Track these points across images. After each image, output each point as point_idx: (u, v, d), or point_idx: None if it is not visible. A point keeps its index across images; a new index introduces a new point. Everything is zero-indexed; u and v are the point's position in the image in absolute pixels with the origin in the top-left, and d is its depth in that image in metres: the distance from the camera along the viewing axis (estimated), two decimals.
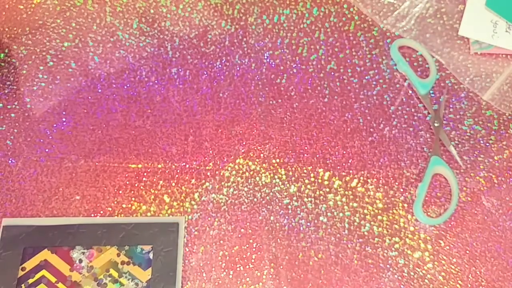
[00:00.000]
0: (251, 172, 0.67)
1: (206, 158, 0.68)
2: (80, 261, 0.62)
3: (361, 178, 0.67)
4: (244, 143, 0.69)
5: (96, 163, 0.67)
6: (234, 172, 0.67)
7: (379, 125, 0.70)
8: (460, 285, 0.62)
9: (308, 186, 0.67)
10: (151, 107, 0.71)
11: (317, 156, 0.69)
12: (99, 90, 0.72)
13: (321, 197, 0.66)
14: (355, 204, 0.66)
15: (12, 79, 0.72)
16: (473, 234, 0.65)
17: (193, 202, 0.66)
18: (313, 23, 0.77)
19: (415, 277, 0.63)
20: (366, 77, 0.73)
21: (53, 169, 0.67)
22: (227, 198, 0.66)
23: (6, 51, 0.74)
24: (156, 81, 0.72)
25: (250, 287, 0.62)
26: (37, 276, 0.61)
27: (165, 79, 0.72)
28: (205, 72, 0.73)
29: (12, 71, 0.73)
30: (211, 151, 0.68)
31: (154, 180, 0.67)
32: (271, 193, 0.66)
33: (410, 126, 0.70)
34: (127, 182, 0.66)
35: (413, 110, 0.71)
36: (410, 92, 0.73)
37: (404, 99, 0.72)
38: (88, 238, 0.63)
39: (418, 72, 0.73)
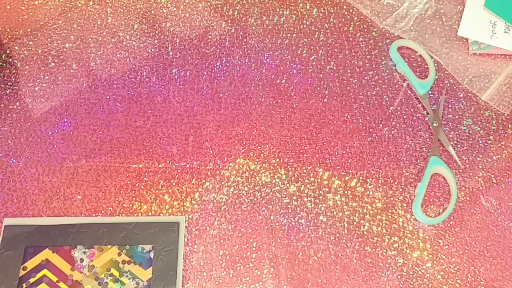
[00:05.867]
0: (251, 172, 0.68)
1: (206, 158, 0.68)
2: (81, 260, 0.62)
3: (361, 177, 0.68)
4: (244, 143, 0.69)
5: (97, 163, 0.68)
6: (234, 172, 0.68)
7: (378, 125, 0.71)
8: (459, 284, 0.63)
9: (308, 186, 0.67)
10: (151, 107, 0.71)
11: (317, 156, 0.69)
12: (100, 91, 0.72)
13: (321, 196, 0.67)
14: (354, 204, 0.66)
15: (13, 79, 0.73)
16: (472, 234, 0.65)
17: (193, 202, 0.66)
18: (312, 24, 0.77)
19: (414, 276, 0.63)
20: (366, 78, 0.74)
21: (54, 169, 0.67)
22: (227, 198, 0.66)
23: (8, 51, 0.74)
24: (156, 82, 0.73)
25: (250, 286, 0.62)
26: (38, 275, 0.62)
27: (165, 80, 0.73)
28: (205, 73, 0.73)
29: (14, 71, 0.73)
30: (211, 151, 0.69)
31: (155, 180, 0.67)
32: (271, 193, 0.67)
33: (409, 126, 0.71)
34: (128, 182, 0.67)
35: (412, 110, 0.72)
36: (409, 92, 0.73)
37: (403, 100, 0.72)
38: (89, 237, 0.63)
39: (417, 73, 0.73)
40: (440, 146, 0.69)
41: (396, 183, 0.67)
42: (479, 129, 0.71)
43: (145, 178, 0.67)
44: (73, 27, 0.76)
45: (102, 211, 0.65)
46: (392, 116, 0.71)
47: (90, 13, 0.77)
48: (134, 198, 0.66)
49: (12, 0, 0.77)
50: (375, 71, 0.74)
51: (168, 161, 0.68)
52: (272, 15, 0.77)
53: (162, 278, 0.61)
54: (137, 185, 0.67)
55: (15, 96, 0.72)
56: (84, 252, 0.63)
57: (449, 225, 0.65)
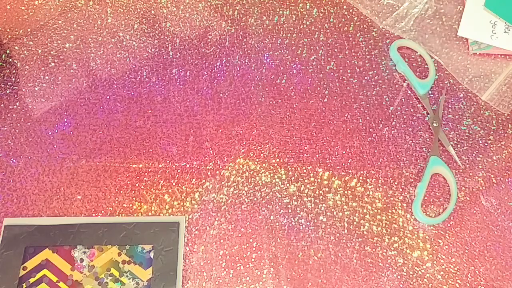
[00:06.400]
0: (251, 172, 0.68)
1: (206, 158, 0.68)
2: (81, 260, 0.62)
3: (361, 177, 0.68)
4: (244, 143, 0.69)
5: (97, 163, 0.68)
6: (234, 172, 0.68)
7: (378, 125, 0.71)
8: (459, 284, 0.63)
9: (308, 186, 0.67)
10: (151, 107, 0.71)
11: (317, 156, 0.69)
12: (100, 91, 0.72)
13: (321, 196, 0.67)
14: (354, 204, 0.66)
15: (13, 79, 0.73)
16: (472, 234, 0.65)
17: (193, 202, 0.66)
18: (312, 24, 0.77)
19: (414, 276, 0.63)
20: (366, 78, 0.74)
21: (54, 169, 0.67)
22: (227, 198, 0.66)
23: (8, 51, 0.74)
24: (156, 82, 0.73)
25: (250, 286, 0.62)
26: (38, 275, 0.62)
27: (165, 80, 0.73)
28: (205, 73, 0.73)
29: (14, 71, 0.73)
30: (211, 151, 0.69)
31: (155, 179, 0.67)
32: (271, 193, 0.67)
33: (409, 126, 0.71)
34: (128, 182, 0.67)
35: (412, 110, 0.72)
36: (409, 92, 0.73)
37: (403, 100, 0.72)
38: (89, 237, 0.63)
39: (417, 73, 0.73)
40: (440, 146, 0.69)
41: (396, 183, 0.67)
42: (479, 129, 0.71)
43: (145, 178, 0.67)
44: (73, 27, 0.76)
45: (102, 211, 0.65)
46: (392, 116, 0.71)
47: (90, 13, 0.77)
48: (134, 198, 0.66)
49: (12, 0, 0.77)
50: (375, 71, 0.74)
51: (168, 161, 0.68)
52: (272, 15, 0.77)
53: (162, 278, 0.61)
54: (137, 185, 0.67)
55: (15, 96, 0.72)
56: (84, 252, 0.63)
57: (449, 225, 0.65)
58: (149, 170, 0.67)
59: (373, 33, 0.76)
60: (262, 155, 0.69)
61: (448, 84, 0.73)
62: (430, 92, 0.72)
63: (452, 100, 0.72)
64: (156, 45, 0.75)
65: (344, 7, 0.78)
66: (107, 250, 0.63)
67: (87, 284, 0.61)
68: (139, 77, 0.73)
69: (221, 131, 0.70)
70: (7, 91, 0.72)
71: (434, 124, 0.70)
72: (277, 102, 0.72)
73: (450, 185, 0.67)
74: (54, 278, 0.61)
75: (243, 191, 0.67)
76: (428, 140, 0.70)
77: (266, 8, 0.78)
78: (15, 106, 0.71)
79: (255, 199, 0.66)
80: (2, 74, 0.73)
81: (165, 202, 0.66)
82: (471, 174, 0.68)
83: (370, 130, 0.70)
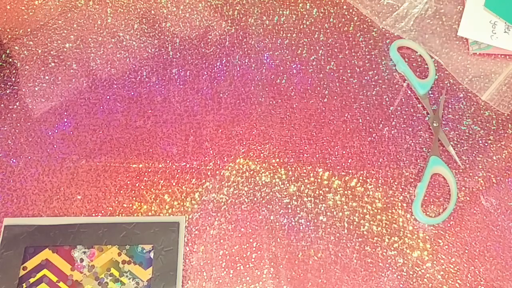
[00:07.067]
0: (251, 172, 0.68)
1: (206, 158, 0.68)
2: (81, 260, 0.62)
3: (361, 177, 0.68)
4: (244, 143, 0.69)
5: (97, 163, 0.68)
6: (234, 172, 0.68)
7: (378, 125, 0.71)
8: (459, 284, 0.63)
9: (308, 186, 0.67)
10: (151, 107, 0.71)
11: (317, 156, 0.69)
12: (100, 91, 0.72)
13: (321, 196, 0.67)
14: (354, 204, 0.66)
15: (13, 79, 0.73)
16: (472, 234, 0.65)
17: (193, 202, 0.66)
18: (312, 24, 0.77)
19: (414, 276, 0.63)
20: (366, 78, 0.74)
21: (54, 169, 0.67)
22: (227, 198, 0.66)
23: (8, 51, 0.74)
24: (156, 82, 0.73)
25: (250, 286, 0.62)
26: (38, 275, 0.62)
27: (165, 80, 0.73)
28: (205, 73, 0.73)
29: (14, 72, 0.73)
30: (211, 151, 0.69)
31: (155, 179, 0.67)
32: (271, 193, 0.67)
33: (409, 126, 0.71)
34: (128, 182, 0.67)
35: (412, 110, 0.72)
36: (409, 92, 0.73)
37: (403, 100, 0.72)
38: (89, 237, 0.63)
39: (417, 73, 0.73)
40: (440, 146, 0.69)
41: (396, 183, 0.67)
42: (479, 129, 0.71)
43: (145, 178, 0.67)
44: (73, 27, 0.76)
45: (102, 211, 0.65)
46: (392, 116, 0.71)
47: (90, 13, 0.77)
48: (134, 198, 0.66)
49: (12, 0, 0.77)
50: (375, 71, 0.74)
51: (168, 161, 0.68)
52: (272, 15, 0.77)
53: (162, 278, 0.61)
54: (137, 185, 0.67)
55: (15, 96, 0.72)
56: (84, 252, 0.63)
57: (449, 225, 0.65)
58: (149, 170, 0.67)
59: (373, 33, 0.76)
60: (262, 155, 0.69)
61: (448, 84, 0.73)
62: (430, 92, 0.72)
63: (452, 100, 0.72)
64: (156, 45, 0.75)
65: (344, 7, 0.78)
66: (107, 250, 0.63)
67: (87, 284, 0.61)
68: (139, 77, 0.73)
69: (221, 131, 0.70)
70: (7, 91, 0.72)
71: (434, 124, 0.70)
72: (277, 102, 0.72)
73: (450, 185, 0.67)
74: (54, 278, 0.61)
75: (243, 191, 0.67)
76: (428, 140, 0.70)
77: (266, 8, 0.78)
78: (15, 106, 0.71)
79: (255, 199, 0.66)
80: (2, 74, 0.73)
81: (165, 202, 0.66)
82: (471, 174, 0.68)
83: (370, 130, 0.70)
